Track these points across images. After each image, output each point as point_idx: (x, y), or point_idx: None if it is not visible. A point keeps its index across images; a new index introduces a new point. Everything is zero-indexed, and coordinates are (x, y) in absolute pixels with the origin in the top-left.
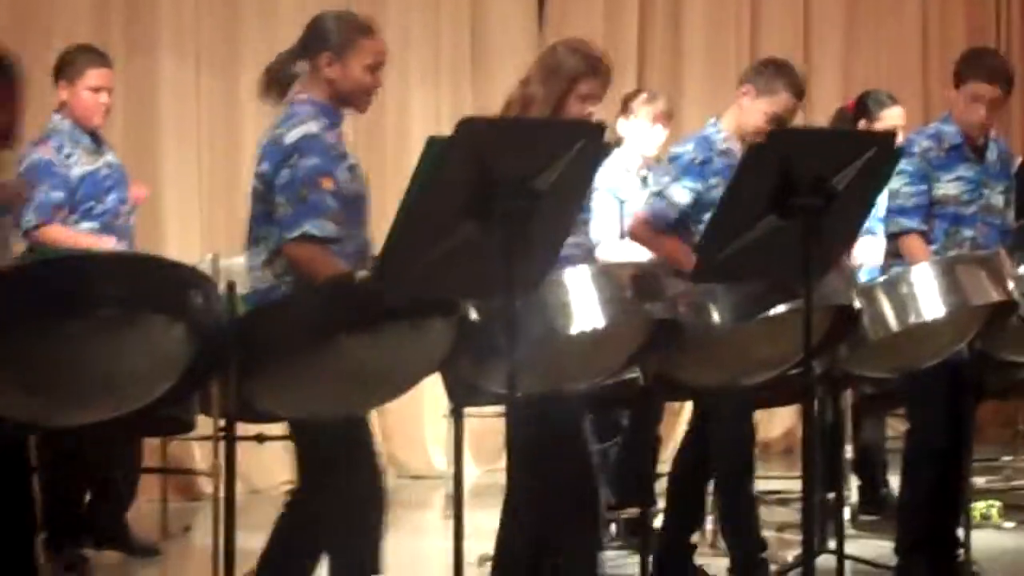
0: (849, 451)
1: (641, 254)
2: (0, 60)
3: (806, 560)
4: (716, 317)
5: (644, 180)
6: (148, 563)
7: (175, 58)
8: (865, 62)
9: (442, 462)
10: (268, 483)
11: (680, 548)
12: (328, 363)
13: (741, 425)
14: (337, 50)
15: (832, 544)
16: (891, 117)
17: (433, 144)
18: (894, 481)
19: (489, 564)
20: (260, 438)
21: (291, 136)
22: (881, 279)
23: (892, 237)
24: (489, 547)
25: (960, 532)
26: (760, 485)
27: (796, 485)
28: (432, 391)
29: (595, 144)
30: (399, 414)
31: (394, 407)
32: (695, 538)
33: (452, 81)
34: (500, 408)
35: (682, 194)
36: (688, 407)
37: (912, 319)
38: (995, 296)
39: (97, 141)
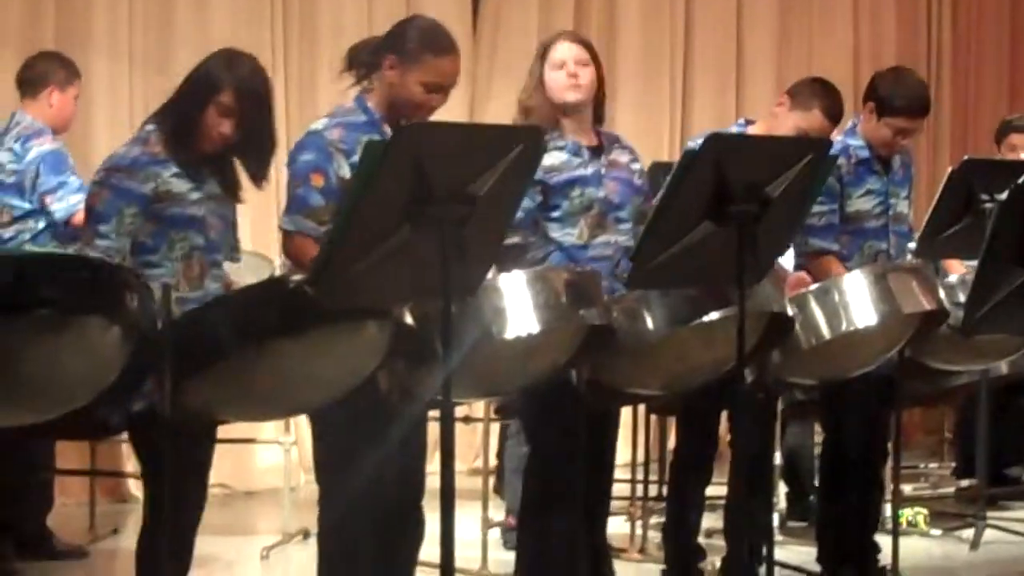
0: (777, 457)
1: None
2: None
3: (733, 566)
4: (650, 323)
5: None
6: (74, 566)
7: (108, 57)
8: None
9: None
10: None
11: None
12: (259, 366)
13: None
14: (403, 57)
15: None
16: None
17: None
18: None
19: None
20: None
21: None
22: (813, 287)
23: (806, 257)
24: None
25: (884, 539)
26: None
27: (723, 491)
28: None
29: (533, 149)
30: None
31: None
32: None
33: None
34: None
35: None
36: None
37: (844, 327)
38: (926, 305)
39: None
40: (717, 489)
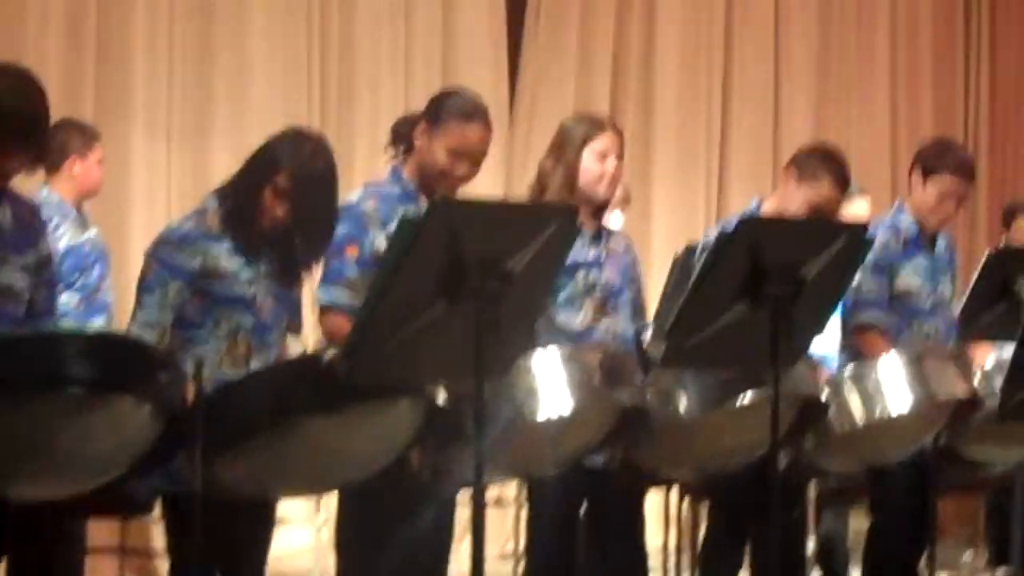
0: (811, 544)
1: None
2: None
3: None
4: (683, 405)
5: None
6: None
7: (146, 132)
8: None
9: None
10: None
11: None
12: (290, 443)
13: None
14: (432, 122)
15: None
16: (855, 208)
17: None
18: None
19: None
20: None
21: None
22: (848, 371)
23: (855, 331)
24: None
25: None
26: None
27: None
28: None
29: (568, 226)
30: None
31: None
32: None
33: None
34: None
35: None
36: None
37: (878, 413)
38: (960, 392)
39: (82, 216)
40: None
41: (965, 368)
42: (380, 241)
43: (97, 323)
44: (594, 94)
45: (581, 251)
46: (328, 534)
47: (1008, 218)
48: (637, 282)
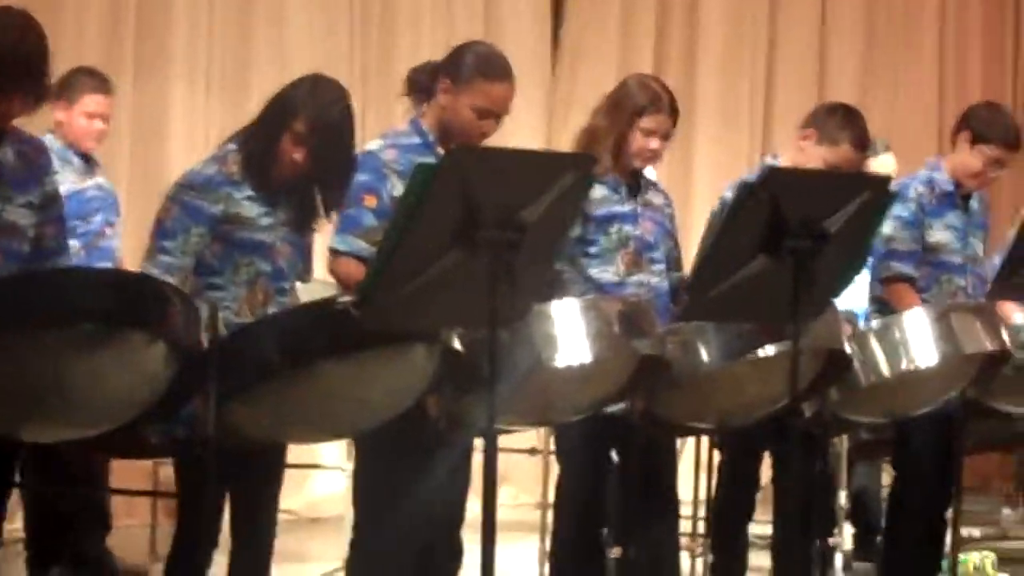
0: (843, 497)
1: None
2: None
3: None
4: (704, 355)
5: None
6: None
7: (185, 81)
8: (881, 106)
9: None
10: None
11: None
12: (304, 388)
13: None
14: (456, 79)
15: None
16: (879, 165)
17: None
18: None
19: None
20: None
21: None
22: (874, 324)
23: (884, 282)
24: None
25: None
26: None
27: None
28: None
29: (583, 176)
30: None
31: None
32: None
33: None
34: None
35: None
36: None
37: (904, 365)
38: (989, 346)
39: (88, 162)
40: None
41: (992, 323)
42: (398, 191)
43: None
44: (638, 49)
45: (616, 204)
46: None
47: None
48: (674, 236)
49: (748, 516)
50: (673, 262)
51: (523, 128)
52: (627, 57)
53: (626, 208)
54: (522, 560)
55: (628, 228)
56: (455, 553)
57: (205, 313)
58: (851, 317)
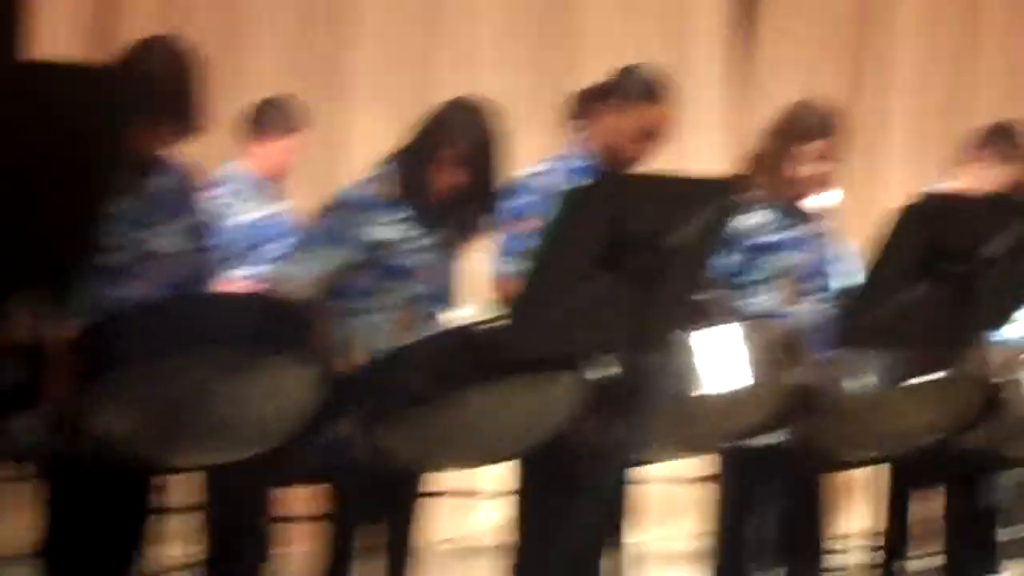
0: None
1: None
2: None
3: None
4: (863, 383)
5: None
6: None
7: (368, 107)
8: None
9: None
10: (426, 538)
11: None
12: (451, 413)
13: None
14: (617, 102)
15: None
16: None
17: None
18: None
19: None
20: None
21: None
22: None
23: None
24: None
25: None
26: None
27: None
28: None
29: (730, 202)
30: None
31: None
32: None
33: None
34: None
35: None
36: None
37: None
38: None
39: (269, 190)
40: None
41: None
42: None
43: None
44: (828, 69)
45: (775, 232)
46: None
47: None
48: (831, 264)
49: (897, 551)
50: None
51: (709, 150)
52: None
53: (788, 236)
54: None
55: (786, 256)
56: None
57: (353, 338)
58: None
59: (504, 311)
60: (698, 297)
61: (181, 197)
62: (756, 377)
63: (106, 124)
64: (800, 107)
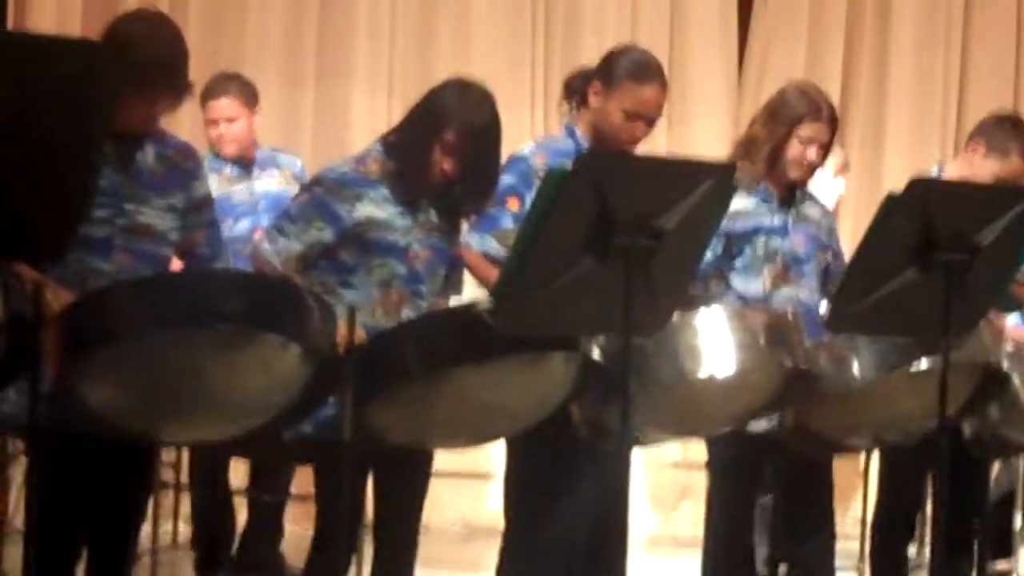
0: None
1: None
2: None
3: None
4: (856, 369)
5: None
6: None
7: (367, 85)
8: None
9: None
10: (438, 520)
11: None
12: (441, 393)
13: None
14: (607, 83)
15: None
16: None
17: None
18: None
19: None
20: None
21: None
22: None
23: None
24: None
25: None
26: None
27: None
28: None
29: (723, 185)
30: None
31: None
32: None
33: None
34: (675, 456)
35: None
36: None
37: None
38: None
39: (246, 167)
40: None
41: None
42: None
43: None
44: (826, 54)
45: (765, 217)
46: None
47: None
48: (834, 249)
49: (908, 536)
50: (829, 277)
51: (709, 136)
52: (815, 67)
53: (776, 221)
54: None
55: (776, 241)
56: (593, 570)
57: (342, 316)
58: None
59: (491, 289)
60: (692, 280)
61: (176, 173)
62: (751, 361)
63: (94, 98)
64: (792, 90)
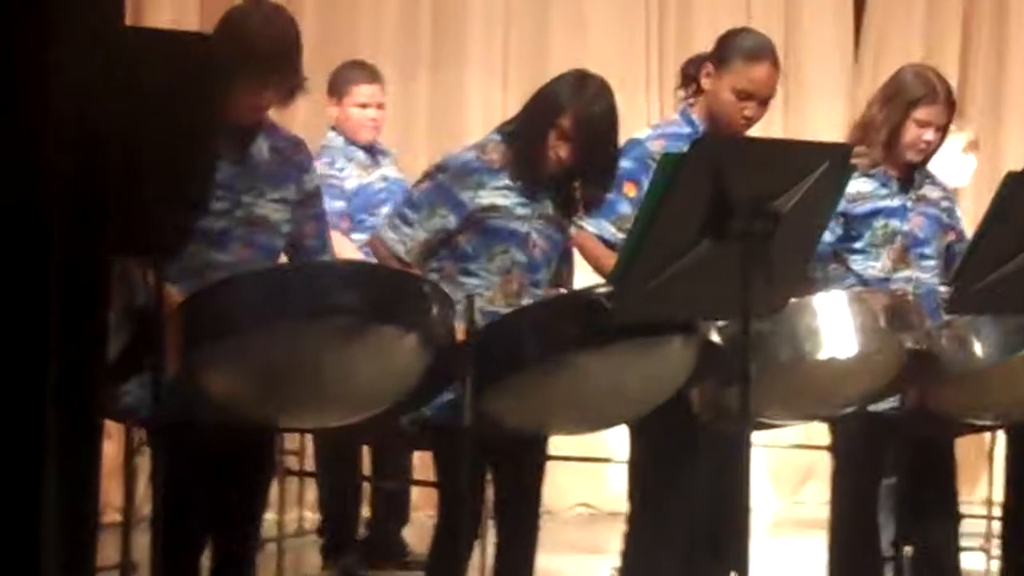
0: None
1: None
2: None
3: None
4: (979, 349)
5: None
6: None
7: (482, 73)
8: None
9: None
10: (560, 504)
11: None
12: (561, 378)
13: None
14: (719, 64)
15: None
16: None
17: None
18: None
19: None
20: None
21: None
22: None
23: None
24: None
25: None
26: None
27: None
28: None
29: (840, 167)
30: None
31: None
32: None
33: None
34: (798, 438)
35: None
36: None
37: None
38: None
39: (373, 155)
40: None
41: None
42: None
43: None
44: (943, 35)
45: (883, 199)
46: None
47: None
48: (955, 230)
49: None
50: (956, 256)
51: (825, 119)
52: (932, 48)
53: (895, 203)
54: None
55: (895, 223)
56: (718, 556)
57: (462, 304)
58: None
59: (609, 274)
60: (809, 262)
61: (288, 165)
62: (872, 343)
63: (208, 90)
64: (908, 72)
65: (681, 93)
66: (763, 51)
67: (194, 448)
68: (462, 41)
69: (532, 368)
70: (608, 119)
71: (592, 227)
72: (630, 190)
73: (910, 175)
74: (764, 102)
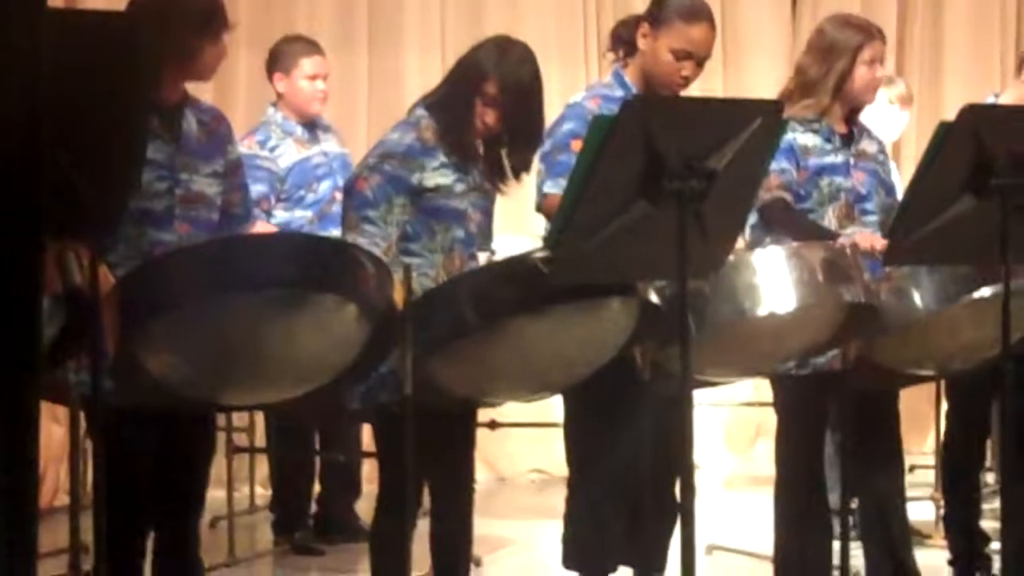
0: None
1: None
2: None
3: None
4: (918, 300)
5: None
6: None
7: (419, 48)
8: None
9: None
10: (513, 470)
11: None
12: (501, 344)
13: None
14: (655, 24)
15: None
16: None
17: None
18: None
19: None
20: (492, 424)
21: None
22: None
23: None
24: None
25: None
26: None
27: None
28: None
29: (771, 123)
30: None
31: None
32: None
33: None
34: (749, 396)
35: None
36: None
37: None
38: None
39: (312, 130)
40: None
41: None
42: None
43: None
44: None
45: (828, 156)
46: None
47: None
48: (888, 185)
49: (979, 464)
50: (888, 213)
51: (765, 77)
52: (870, 2)
53: (839, 159)
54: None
55: (839, 180)
56: (664, 512)
57: (399, 274)
58: None
59: (545, 239)
60: (746, 219)
61: (214, 138)
62: (811, 297)
63: (134, 68)
64: (835, 25)
65: (611, 56)
66: (700, 11)
67: (135, 429)
68: (399, 17)
69: (471, 335)
70: (533, 81)
71: (553, 188)
72: (578, 147)
73: (850, 130)
74: (701, 62)
